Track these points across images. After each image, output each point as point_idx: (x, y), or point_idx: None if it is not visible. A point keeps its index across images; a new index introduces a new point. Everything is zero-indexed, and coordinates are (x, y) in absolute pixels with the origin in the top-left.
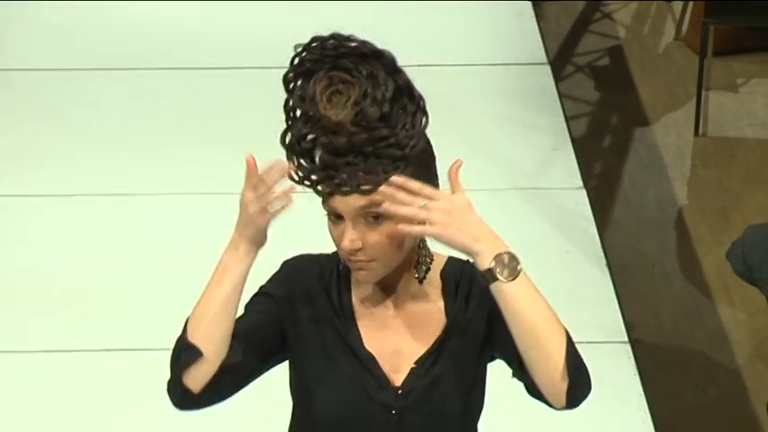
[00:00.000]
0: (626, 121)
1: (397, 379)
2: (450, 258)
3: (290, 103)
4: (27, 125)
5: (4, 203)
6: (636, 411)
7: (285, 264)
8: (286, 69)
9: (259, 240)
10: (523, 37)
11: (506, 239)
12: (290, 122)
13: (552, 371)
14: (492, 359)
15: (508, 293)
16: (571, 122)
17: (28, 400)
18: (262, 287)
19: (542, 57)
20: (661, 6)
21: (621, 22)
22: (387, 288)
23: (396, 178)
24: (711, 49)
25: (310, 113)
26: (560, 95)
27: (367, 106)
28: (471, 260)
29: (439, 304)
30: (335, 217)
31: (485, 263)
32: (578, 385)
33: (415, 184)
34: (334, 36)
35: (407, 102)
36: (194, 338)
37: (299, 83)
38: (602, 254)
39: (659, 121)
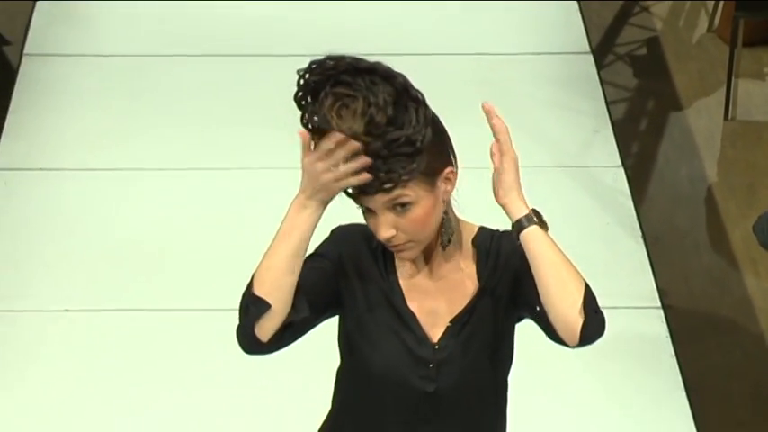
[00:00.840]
0: (661, 105)
1: (435, 335)
2: (482, 228)
3: (305, 120)
4: (117, 105)
5: (96, 175)
6: (668, 371)
7: (335, 230)
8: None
9: (328, 202)
10: (569, 29)
11: (551, 212)
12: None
13: (570, 308)
14: (519, 320)
15: (538, 237)
16: (611, 107)
17: (123, 354)
18: (315, 250)
19: (586, 47)
20: (695, 1)
21: (659, 16)
22: (425, 256)
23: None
24: (741, 40)
25: (324, 129)
26: (602, 82)
27: (374, 114)
28: (507, 210)
29: (471, 269)
30: (367, 211)
31: (523, 211)
32: (593, 324)
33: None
34: (330, 57)
35: (408, 101)
36: (261, 291)
37: (309, 100)
38: (637, 227)
39: (692, 106)
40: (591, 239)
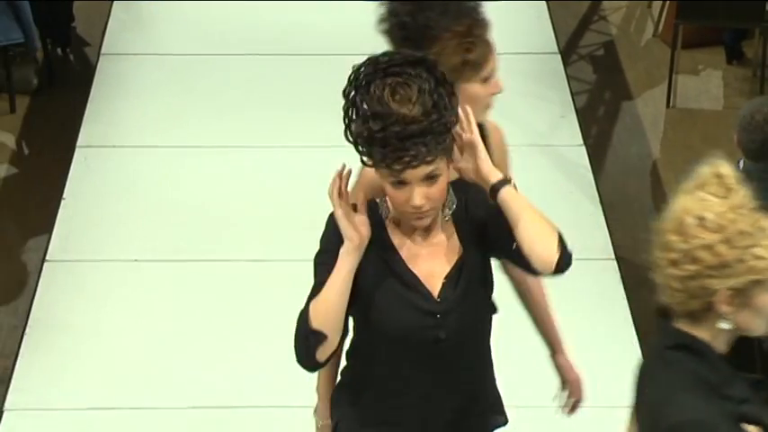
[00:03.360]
0: (616, 96)
1: (435, 291)
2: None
3: (354, 109)
4: (174, 95)
5: (158, 151)
6: (620, 310)
7: (331, 218)
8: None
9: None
10: (541, 33)
11: (525, 183)
12: (351, 123)
13: (550, 245)
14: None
15: (516, 193)
16: (575, 97)
17: (184, 297)
18: (321, 245)
19: (554, 48)
20: (643, 10)
21: (614, 23)
22: (418, 229)
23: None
24: (680, 43)
25: (380, 111)
26: (567, 77)
27: (425, 100)
28: (485, 176)
29: (452, 234)
30: (399, 184)
31: (499, 175)
32: (566, 257)
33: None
34: (383, 53)
35: (444, 89)
36: (316, 324)
37: (360, 91)
38: (596, 194)
39: (640, 96)
40: (558, 204)
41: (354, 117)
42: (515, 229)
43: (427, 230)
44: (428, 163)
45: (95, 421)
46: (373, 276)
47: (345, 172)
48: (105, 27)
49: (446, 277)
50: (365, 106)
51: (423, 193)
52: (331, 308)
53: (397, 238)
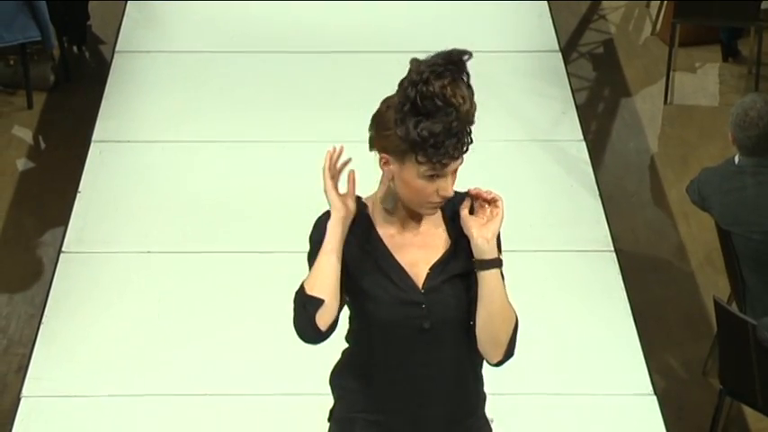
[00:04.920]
0: (615, 93)
1: (419, 280)
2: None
3: (413, 107)
4: (186, 92)
5: (170, 146)
6: (618, 301)
7: (318, 221)
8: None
9: (344, 215)
10: (542, 32)
11: (527, 177)
12: (407, 123)
13: (493, 347)
14: None
15: (497, 281)
16: (575, 94)
17: (195, 287)
18: (310, 247)
19: (555, 46)
20: (642, 9)
21: (613, 22)
22: (407, 219)
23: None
24: (678, 41)
25: (441, 108)
26: (568, 74)
27: (471, 94)
28: (480, 247)
29: (441, 225)
30: (431, 177)
31: (495, 254)
32: (504, 361)
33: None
34: (436, 54)
35: (470, 87)
36: (311, 291)
37: (421, 89)
38: (595, 187)
39: (639, 93)
40: (559, 198)
41: (407, 119)
42: (479, 313)
43: (416, 220)
44: (464, 153)
45: (111, 408)
46: (362, 270)
47: (339, 149)
48: (120, 25)
49: (431, 267)
50: (432, 103)
51: (451, 183)
52: (325, 276)
53: (382, 230)
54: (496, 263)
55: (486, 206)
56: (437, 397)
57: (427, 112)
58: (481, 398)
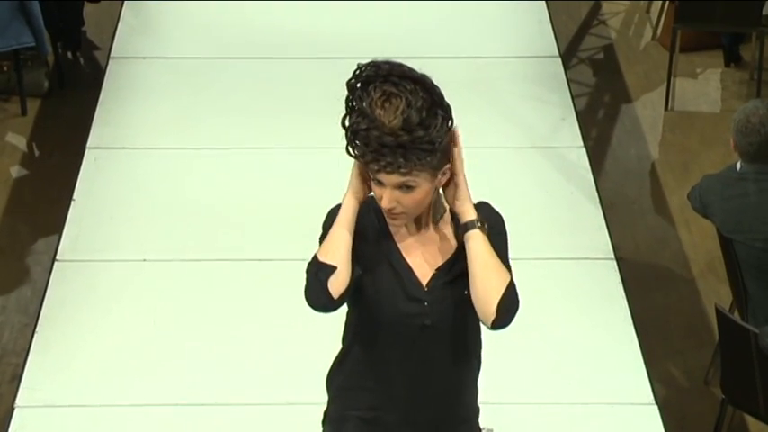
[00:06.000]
0: (615, 99)
1: (425, 280)
2: None
3: (352, 101)
4: (183, 98)
5: (166, 153)
6: (619, 309)
7: (330, 211)
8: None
9: (359, 196)
10: (541, 37)
11: (527, 184)
12: (349, 114)
13: (488, 304)
14: None
15: (479, 238)
16: (575, 100)
17: (192, 296)
18: (323, 229)
19: (555, 51)
20: (642, 15)
21: (613, 27)
22: (417, 224)
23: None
24: (678, 47)
25: (367, 113)
26: (568, 80)
27: (411, 114)
28: (460, 213)
29: (450, 232)
30: (377, 181)
31: (472, 215)
32: (502, 321)
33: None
34: (387, 61)
35: (439, 111)
36: (324, 258)
37: (358, 88)
38: (596, 195)
39: (639, 99)
40: (559, 205)
41: (350, 109)
42: (469, 273)
43: (419, 224)
44: (402, 174)
45: (105, 418)
46: (369, 260)
47: None
48: (115, 31)
49: (437, 269)
50: (359, 104)
51: (395, 196)
52: (338, 244)
53: (398, 232)
54: (473, 223)
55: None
56: (432, 399)
57: (359, 110)
58: (475, 408)
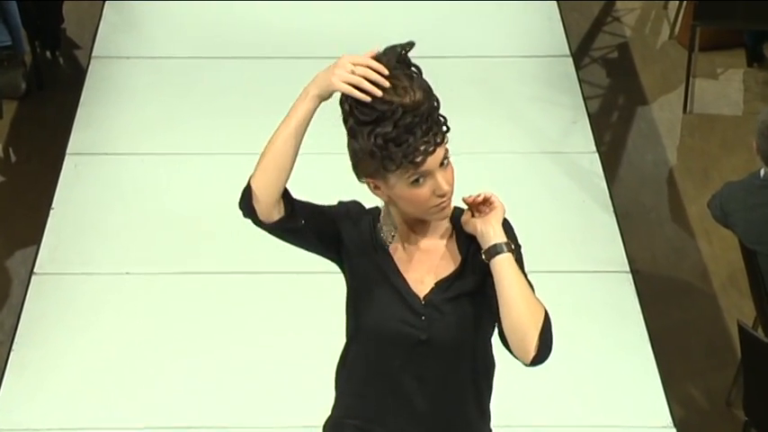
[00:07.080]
0: (630, 101)
1: (422, 294)
2: (456, 208)
3: (356, 122)
4: (167, 100)
5: (150, 159)
6: (634, 325)
7: (341, 202)
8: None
9: (324, 97)
10: (552, 35)
11: (537, 191)
12: (360, 134)
13: (523, 342)
14: None
15: (511, 264)
16: (588, 101)
17: (175, 310)
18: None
19: (566, 50)
20: (659, 11)
21: (628, 24)
22: (413, 231)
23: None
24: (698, 45)
25: (384, 111)
26: (579, 81)
27: (421, 82)
28: (485, 235)
29: (452, 243)
30: (417, 180)
31: (502, 237)
32: (542, 356)
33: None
34: (400, 46)
35: (415, 76)
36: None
37: (357, 104)
38: (610, 203)
39: (656, 101)
40: (570, 214)
41: (358, 133)
42: (500, 305)
43: (423, 234)
44: (441, 144)
45: None
46: (367, 276)
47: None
48: (96, 29)
49: (437, 283)
50: (364, 112)
51: (445, 177)
52: (278, 143)
53: (393, 243)
54: (504, 246)
55: (484, 208)
56: (431, 417)
57: (373, 118)
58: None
